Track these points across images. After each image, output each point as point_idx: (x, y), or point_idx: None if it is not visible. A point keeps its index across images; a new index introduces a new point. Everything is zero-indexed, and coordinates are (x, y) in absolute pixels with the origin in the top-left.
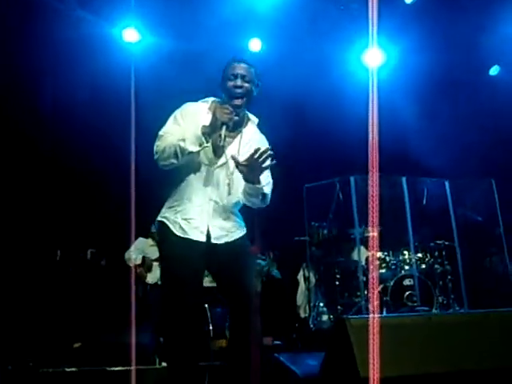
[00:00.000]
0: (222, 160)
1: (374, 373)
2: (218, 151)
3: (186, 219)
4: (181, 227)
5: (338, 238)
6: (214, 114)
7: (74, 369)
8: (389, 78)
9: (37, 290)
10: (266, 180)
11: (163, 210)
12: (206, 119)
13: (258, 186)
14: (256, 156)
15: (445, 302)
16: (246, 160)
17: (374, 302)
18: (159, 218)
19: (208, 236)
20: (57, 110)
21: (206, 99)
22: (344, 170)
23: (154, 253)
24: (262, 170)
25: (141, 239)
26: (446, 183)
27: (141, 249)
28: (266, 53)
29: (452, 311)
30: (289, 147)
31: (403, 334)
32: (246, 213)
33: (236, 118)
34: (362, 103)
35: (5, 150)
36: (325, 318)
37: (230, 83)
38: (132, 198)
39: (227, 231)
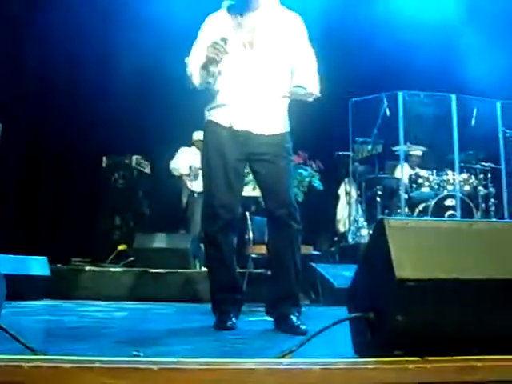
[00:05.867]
0: (257, 48)
1: (410, 274)
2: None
3: (223, 107)
4: (218, 115)
5: (382, 154)
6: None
7: (118, 269)
8: None
9: (84, 196)
10: (313, 82)
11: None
12: (222, 29)
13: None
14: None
15: None
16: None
17: None
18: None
19: (245, 124)
20: None
21: (223, 4)
22: (391, 84)
23: (198, 161)
24: None
25: (184, 148)
26: (498, 104)
27: (186, 157)
28: None
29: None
30: (334, 60)
31: (442, 238)
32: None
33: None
34: (410, 15)
35: None
36: (364, 232)
37: None
38: None
39: (266, 122)
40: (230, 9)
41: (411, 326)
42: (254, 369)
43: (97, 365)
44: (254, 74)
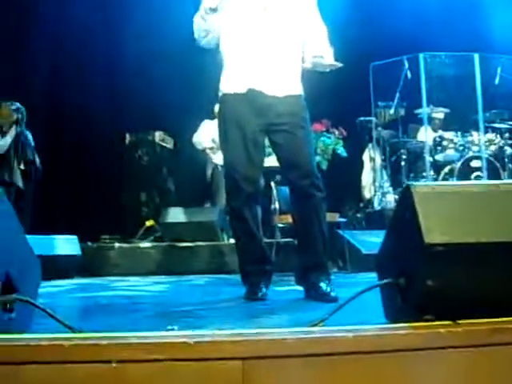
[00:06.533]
0: (270, 11)
1: (439, 239)
2: None
3: (238, 71)
4: (234, 83)
5: (405, 118)
6: None
7: (147, 244)
8: None
9: (109, 174)
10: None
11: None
12: None
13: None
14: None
15: None
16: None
17: None
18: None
19: (261, 84)
20: None
21: None
22: (412, 46)
23: None
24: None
25: (207, 121)
26: None
27: (209, 131)
28: None
29: None
30: (353, 24)
31: (470, 201)
32: None
33: None
34: None
35: None
36: (390, 197)
37: None
38: None
39: (281, 82)
40: None
41: (441, 290)
42: (287, 338)
43: (133, 340)
44: (268, 35)
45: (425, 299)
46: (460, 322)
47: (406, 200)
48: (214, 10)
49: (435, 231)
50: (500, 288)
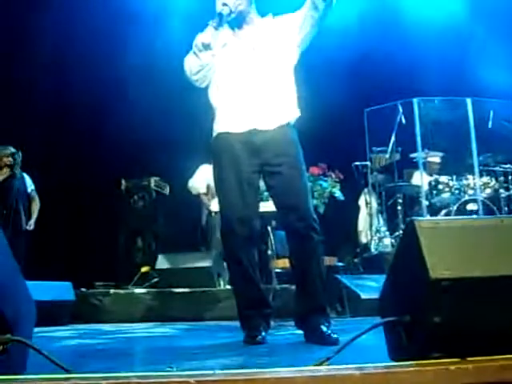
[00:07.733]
0: (258, 50)
1: (445, 273)
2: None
3: (232, 110)
4: (229, 122)
5: (400, 162)
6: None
7: (143, 290)
8: None
9: (104, 220)
10: None
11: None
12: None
13: None
14: None
15: None
16: None
17: None
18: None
19: (250, 121)
20: None
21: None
22: (406, 91)
23: None
24: None
25: (204, 166)
26: None
27: (205, 176)
28: None
29: None
30: (347, 70)
31: (475, 235)
32: None
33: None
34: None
35: None
36: (387, 241)
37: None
38: None
39: (271, 117)
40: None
41: (449, 326)
42: (294, 377)
43: (133, 380)
44: (258, 74)
45: (431, 336)
46: (470, 358)
47: (409, 236)
48: (207, 47)
49: (441, 266)
50: (509, 323)
